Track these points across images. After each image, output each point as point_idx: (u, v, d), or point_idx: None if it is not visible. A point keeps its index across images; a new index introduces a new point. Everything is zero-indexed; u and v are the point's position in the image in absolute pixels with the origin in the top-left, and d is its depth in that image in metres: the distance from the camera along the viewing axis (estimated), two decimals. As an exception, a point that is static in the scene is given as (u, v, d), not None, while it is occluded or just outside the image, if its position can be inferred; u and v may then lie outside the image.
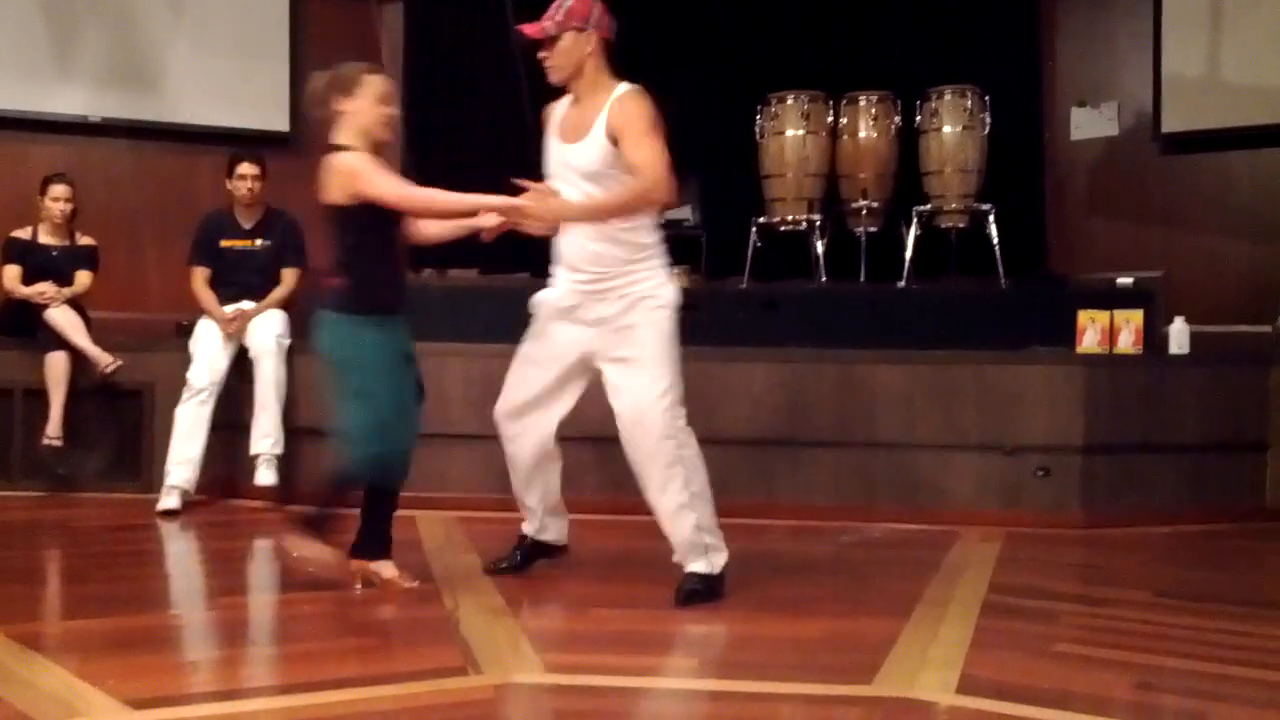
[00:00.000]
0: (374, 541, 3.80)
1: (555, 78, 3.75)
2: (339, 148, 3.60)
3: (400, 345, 3.72)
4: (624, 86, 3.71)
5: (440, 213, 3.79)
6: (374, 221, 3.59)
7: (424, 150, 7.82)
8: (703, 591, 3.68)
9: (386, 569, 3.79)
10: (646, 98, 3.69)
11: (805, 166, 6.84)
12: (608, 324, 3.71)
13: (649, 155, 3.57)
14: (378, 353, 3.65)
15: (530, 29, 3.73)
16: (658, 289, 3.73)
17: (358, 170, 3.55)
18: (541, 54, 3.74)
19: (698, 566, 3.73)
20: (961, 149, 6.71)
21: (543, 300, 3.86)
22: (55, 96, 7.07)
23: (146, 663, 3.03)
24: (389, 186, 3.58)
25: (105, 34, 7.19)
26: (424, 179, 7.87)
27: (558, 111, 3.84)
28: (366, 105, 3.64)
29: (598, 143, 3.65)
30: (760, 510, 5.28)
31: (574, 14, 3.70)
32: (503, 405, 3.89)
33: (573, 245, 3.74)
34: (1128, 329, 5.43)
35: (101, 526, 5.20)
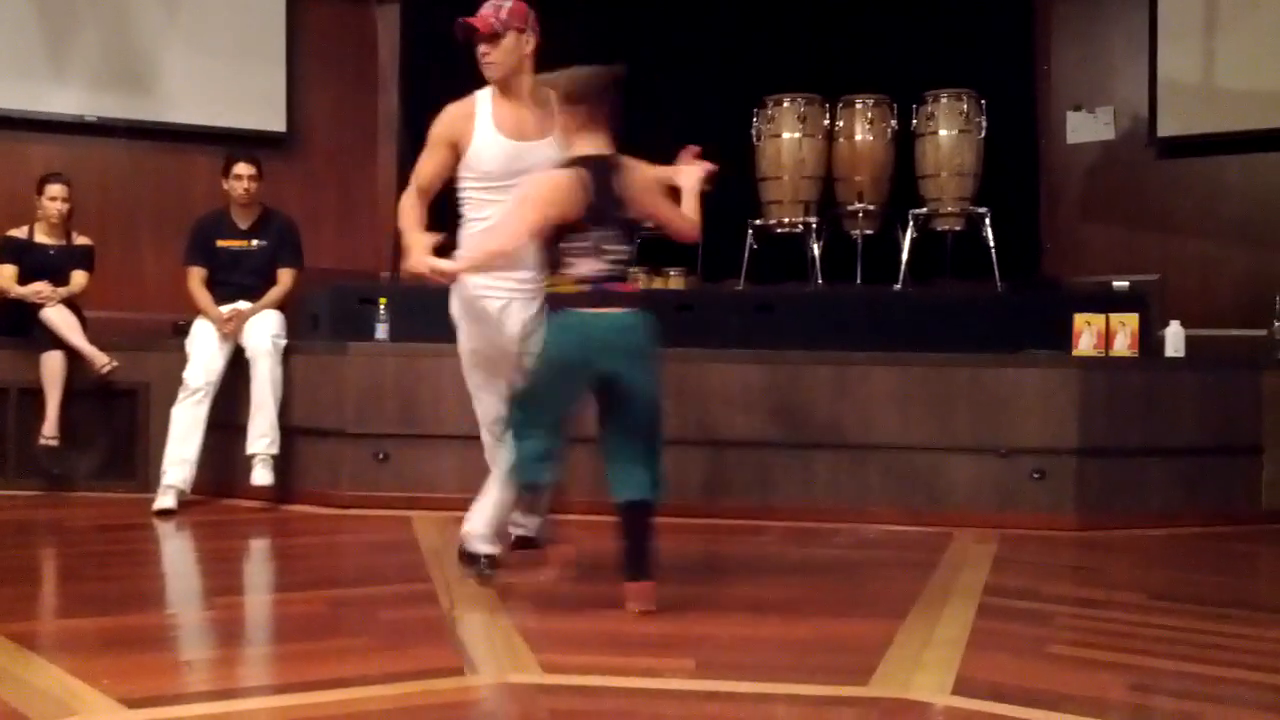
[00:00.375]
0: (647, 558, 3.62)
1: (493, 74, 3.84)
2: (614, 157, 3.57)
3: None
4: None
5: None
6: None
7: (420, 150, 7.82)
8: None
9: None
10: None
11: (801, 169, 6.86)
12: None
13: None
14: None
15: (478, 22, 3.81)
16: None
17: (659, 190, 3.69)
18: (483, 49, 3.83)
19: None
20: (957, 152, 6.73)
21: None
22: (51, 96, 7.08)
23: (142, 662, 3.03)
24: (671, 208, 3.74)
25: (101, 34, 7.20)
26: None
27: (484, 108, 3.86)
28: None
29: (549, 146, 3.74)
30: (756, 512, 5.29)
31: (516, 14, 3.82)
32: None
33: None
34: (1123, 332, 5.44)
35: (97, 526, 5.19)
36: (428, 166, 3.90)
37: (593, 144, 3.55)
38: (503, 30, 3.80)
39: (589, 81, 3.57)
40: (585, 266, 3.51)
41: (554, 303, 3.56)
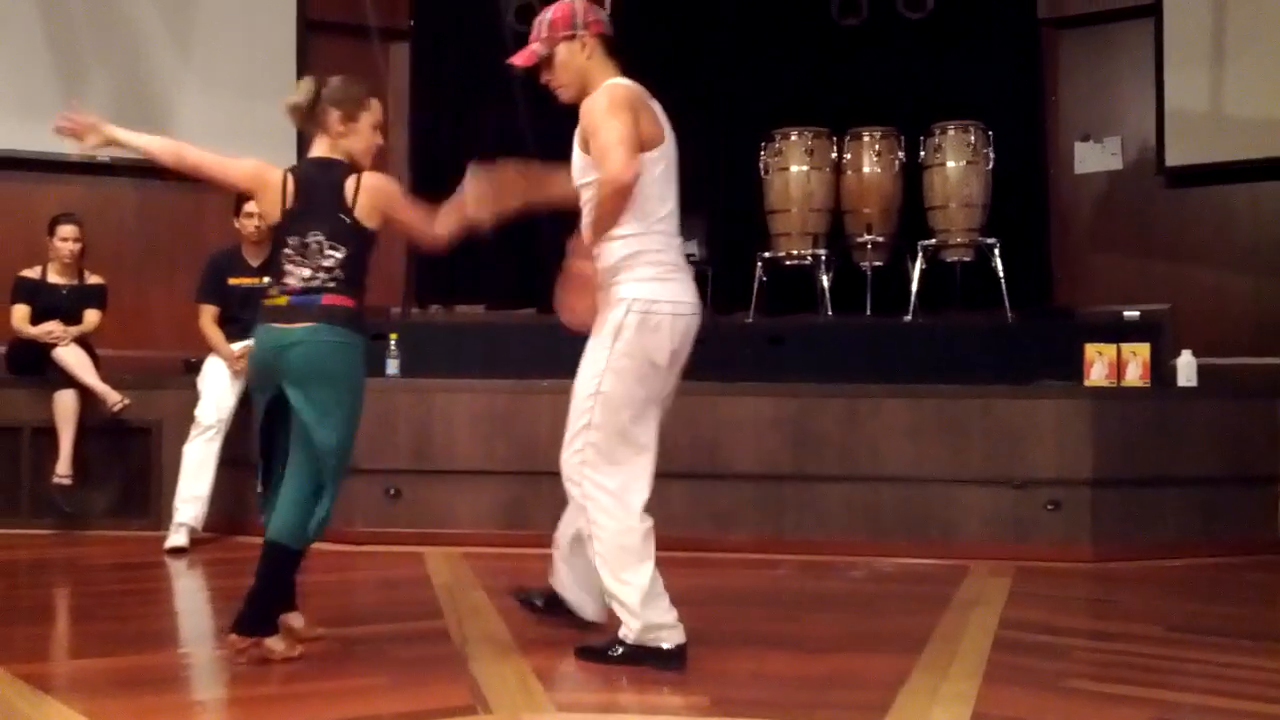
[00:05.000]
0: (263, 614, 3.43)
1: (567, 97, 3.46)
2: (347, 166, 3.51)
3: None
4: (604, 84, 3.40)
5: (444, 249, 3.74)
6: (376, 243, 3.53)
7: (430, 187, 7.87)
8: (599, 655, 3.39)
9: (277, 644, 3.42)
10: (611, 87, 3.37)
11: (810, 202, 6.87)
12: None
13: (600, 144, 3.25)
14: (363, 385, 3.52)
15: (520, 59, 3.47)
16: (607, 312, 3.36)
17: (397, 196, 3.54)
18: (544, 78, 3.47)
19: (568, 596, 3.58)
20: (965, 183, 6.74)
21: None
22: (64, 137, 7.11)
23: (154, 702, 3.02)
24: (422, 218, 3.55)
25: (113, 74, 7.25)
26: (430, 274, 7.86)
27: None
28: (366, 130, 3.56)
29: (577, 153, 3.42)
30: (768, 545, 5.27)
31: (558, 24, 3.43)
32: None
33: None
34: (1135, 362, 5.42)
35: (110, 564, 5.19)
36: None
37: (327, 149, 3.53)
38: (548, 50, 3.42)
39: (344, 89, 3.55)
40: (292, 276, 3.46)
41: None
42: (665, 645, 3.33)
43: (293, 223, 3.47)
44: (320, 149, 3.55)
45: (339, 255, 3.42)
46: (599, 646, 3.41)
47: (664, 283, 3.36)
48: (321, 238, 3.43)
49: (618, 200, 3.25)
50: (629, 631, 3.34)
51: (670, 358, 3.38)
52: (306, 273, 3.43)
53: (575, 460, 3.37)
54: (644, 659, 3.32)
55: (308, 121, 3.56)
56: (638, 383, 3.34)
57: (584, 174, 3.41)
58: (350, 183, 3.46)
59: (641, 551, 3.34)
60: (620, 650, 3.35)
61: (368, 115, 3.56)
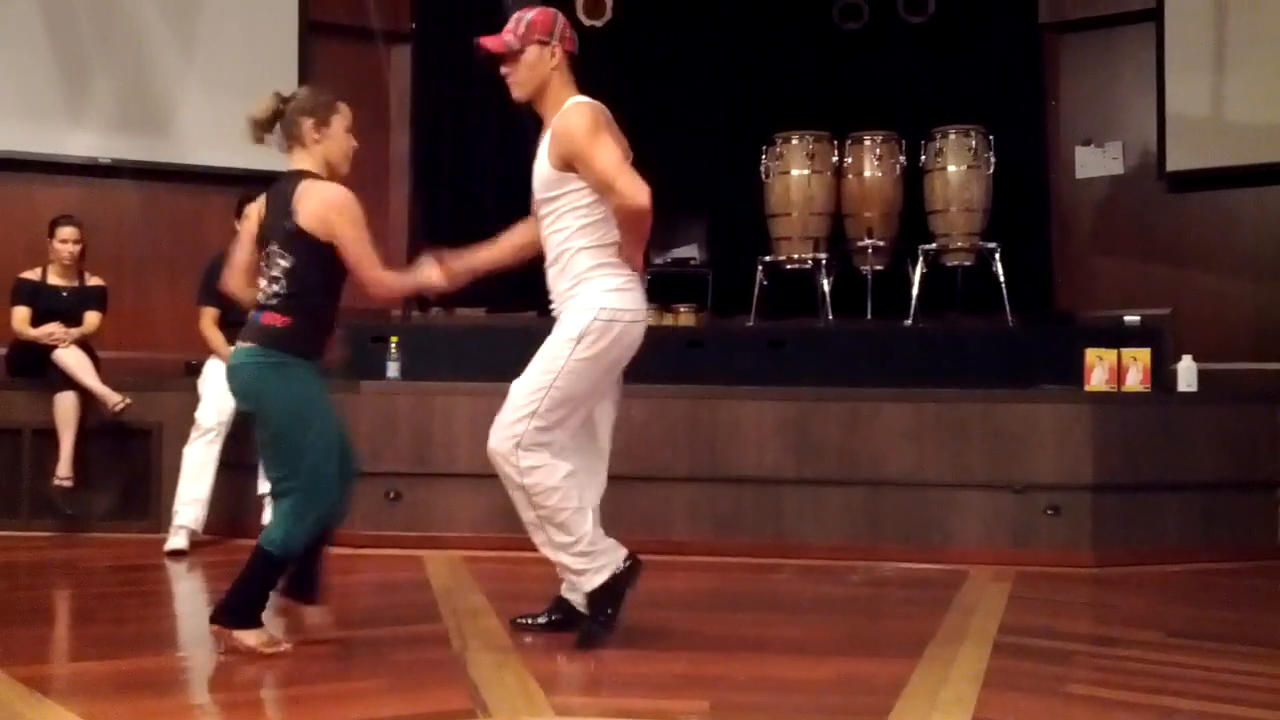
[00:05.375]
0: (244, 607, 3.47)
1: (519, 94, 3.60)
2: (309, 174, 3.48)
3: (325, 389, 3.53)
4: (570, 101, 3.54)
5: (385, 296, 3.73)
6: (335, 263, 3.42)
7: (432, 190, 7.88)
8: (591, 630, 3.56)
9: (249, 638, 3.46)
10: (584, 108, 3.50)
11: (811, 205, 6.88)
12: None
13: (601, 168, 3.40)
14: (322, 401, 3.47)
15: (492, 44, 3.58)
16: (571, 315, 3.52)
17: (345, 210, 3.41)
18: (504, 69, 3.59)
19: (573, 597, 3.67)
20: (966, 188, 6.74)
21: None
22: (66, 138, 7.13)
23: (153, 705, 3.02)
24: (367, 251, 3.41)
25: (116, 76, 7.26)
26: (432, 220, 7.94)
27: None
28: (340, 134, 3.54)
29: (543, 166, 3.54)
30: (768, 549, 5.27)
31: (536, 27, 3.55)
32: None
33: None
34: (1135, 367, 5.42)
35: (110, 566, 5.19)
36: None
37: (300, 159, 3.52)
38: (520, 45, 3.54)
39: (313, 97, 3.54)
40: (260, 290, 3.49)
41: None
42: (614, 570, 3.55)
43: (262, 235, 3.50)
44: (295, 161, 3.54)
45: (285, 265, 3.41)
46: (586, 628, 3.56)
47: (626, 293, 3.55)
48: (275, 246, 3.44)
49: (642, 223, 3.45)
50: (589, 585, 3.54)
51: (621, 363, 3.60)
52: (264, 283, 3.47)
53: (510, 444, 3.50)
54: (615, 595, 3.56)
55: (265, 133, 3.55)
56: (589, 385, 3.54)
57: (549, 188, 3.54)
58: (300, 187, 3.42)
59: (581, 507, 3.54)
60: (599, 609, 3.55)
61: (339, 119, 3.55)
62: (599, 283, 3.51)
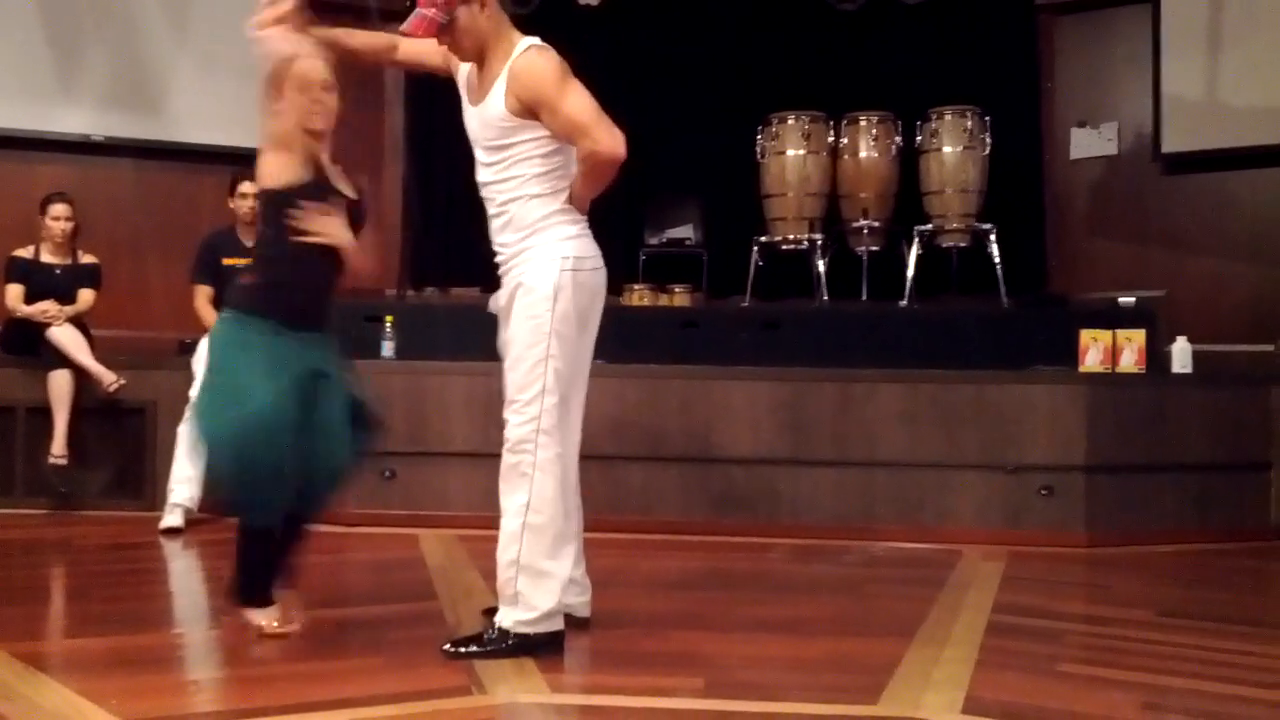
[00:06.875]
0: (246, 584, 3.47)
1: (466, 58, 3.37)
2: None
3: (306, 361, 3.35)
4: (523, 44, 3.29)
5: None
6: (278, 206, 3.37)
7: (426, 167, 7.83)
8: (480, 647, 3.25)
9: (257, 616, 3.44)
10: (547, 51, 3.29)
11: (806, 186, 6.86)
12: (503, 317, 3.39)
13: (573, 113, 3.18)
14: (256, 354, 3.30)
15: (420, 30, 3.30)
16: (535, 272, 3.28)
17: (261, 160, 3.39)
18: (442, 42, 3.37)
19: (501, 617, 3.28)
20: (962, 169, 6.73)
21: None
22: (59, 116, 7.09)
23: (149, 682, 3.03)
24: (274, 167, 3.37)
25: (109, 54, 7.22)
26: (426, 196, 7.86)
27: (464, 68, 3.44)
28: (295, 97, 3.37)
29: (496, 112, 3.27)
30: (762, 529, 5.28)
31: None
32: None
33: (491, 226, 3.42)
34: (1130, 348, 5.43)
35: (105, 545, 5.19)
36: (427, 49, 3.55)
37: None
38: (447, 16, 3.27)
39: (267, 79, 3.42)
40: None
41: None
42: (549, 630, 3.26)
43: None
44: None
45: (261, 224, 3.55)
46: (485, 639, 3.28)
47: (583, 239, 3.36)
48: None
49: (613, 173, 3.24)
50: (520, 621, 3.23)
51: (594, 316, 3.40)
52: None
53: (529, 428, 3.24)
54: (524, 648, 3.22)
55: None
56: (576, 347, 3.33)
57: (501, 135, 3.28)
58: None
59: (566, 534, 3.32)
60: (502, 643, 3.24)
61: (289, 82, 3.38)
62: (555, 231, 3.30)
